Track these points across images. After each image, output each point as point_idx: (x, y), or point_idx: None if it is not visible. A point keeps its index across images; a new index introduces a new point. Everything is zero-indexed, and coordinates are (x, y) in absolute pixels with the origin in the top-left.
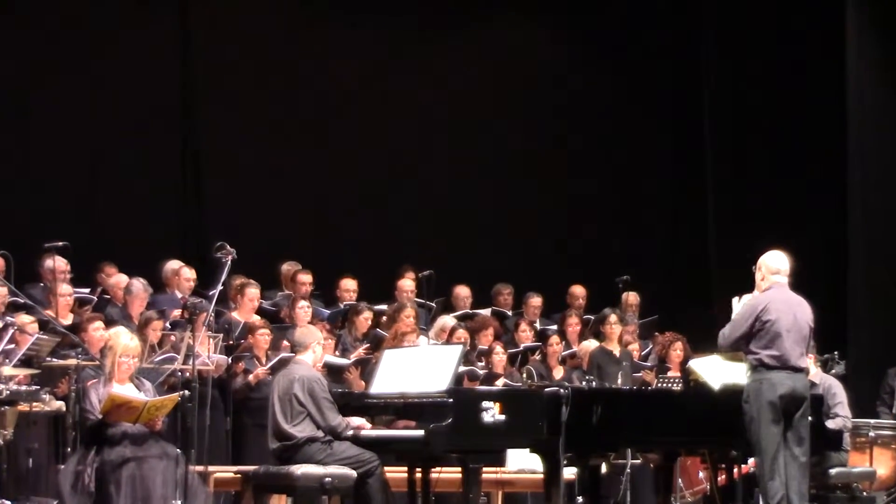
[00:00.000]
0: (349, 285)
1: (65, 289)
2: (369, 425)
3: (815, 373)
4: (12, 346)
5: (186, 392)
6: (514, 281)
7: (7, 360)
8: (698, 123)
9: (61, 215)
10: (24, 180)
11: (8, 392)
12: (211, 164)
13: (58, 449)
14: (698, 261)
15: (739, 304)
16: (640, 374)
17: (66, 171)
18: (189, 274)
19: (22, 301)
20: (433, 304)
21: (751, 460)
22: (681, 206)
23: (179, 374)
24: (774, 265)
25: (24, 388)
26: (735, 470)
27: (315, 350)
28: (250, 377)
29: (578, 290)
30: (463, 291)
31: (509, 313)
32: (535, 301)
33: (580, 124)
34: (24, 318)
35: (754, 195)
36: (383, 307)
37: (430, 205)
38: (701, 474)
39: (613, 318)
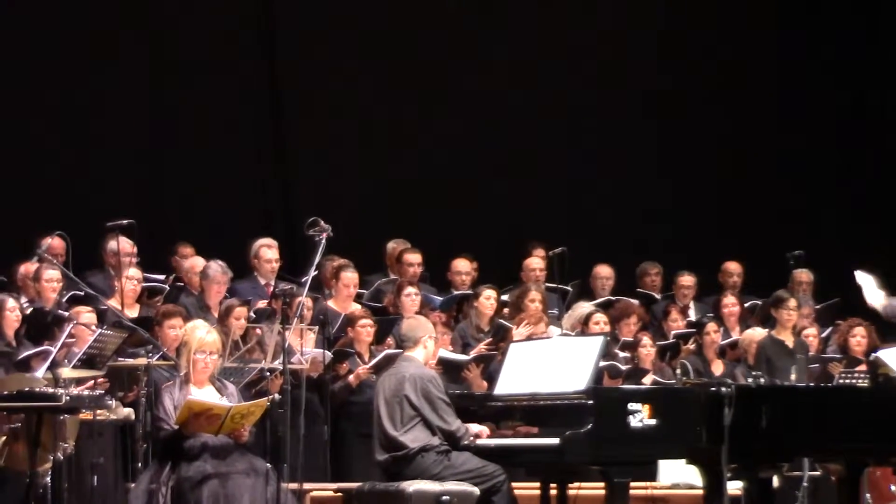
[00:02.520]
0: (465, 267)
1: (132, 274)
2: (487, 432)
3: None
4: (72, 340)
5: (277, 396)
6: (662, 258)
7: (66, 361)
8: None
9: (125, 189)
10: (82, 150)
11: (68, 398)
12: (300, 129)
13: (127, 464)
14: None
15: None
16: (816, 368)
17: (131, 138)
18: (271, 255)
19: (82, 291)
20: (568, 288)
21: None
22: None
23: (268, 374)
24: None
25: (86, 393)
26: None
27: (426, 345)
28: (350, 377)
29: (733, 267)
30: (603, 271)
31: (658, 297)
32: (687, 280)
33: (747, 84)
34: (85, 311)
35: None
36: (506, 293)
37: (558, 173)
38: (893, 488)
39: (793, 302)
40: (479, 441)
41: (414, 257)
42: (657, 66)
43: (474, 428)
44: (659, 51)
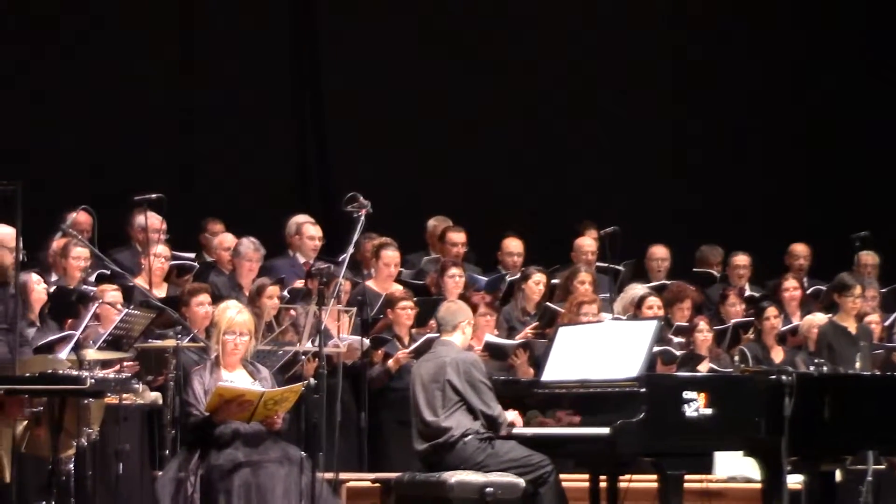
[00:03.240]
0: (517, 247)
1: (160, 251)
2: (520, 420)
3: None
4: (95, 323)
5: (312, 381)
6: (721, 239)
7: (90, 342)
8: None
9: (154, 162)
10: (110, 121)
11: (92, 381)
12: (334, 98)
13: (154, 451)
14: None
15: None
16: (879, 355)
17: (161, 109)
18: (314, 232)
19: (108, 269)
20: (620, 269)
21: None
22: None
23: (303, 358)
24: None
25: (112, 375)
26: None
27: (465, 331)
28: (390, 362)
29: (801, 249)
30: (658, 252)
31: (716, 275)
32: (742, 260)
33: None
34: (111, 289)
35: None
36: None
37: (615, 147)
38: None
39: (858, 290)
40: (525, 430)
41: (458, 236)
42: (717, 35)
43: (508, 415)
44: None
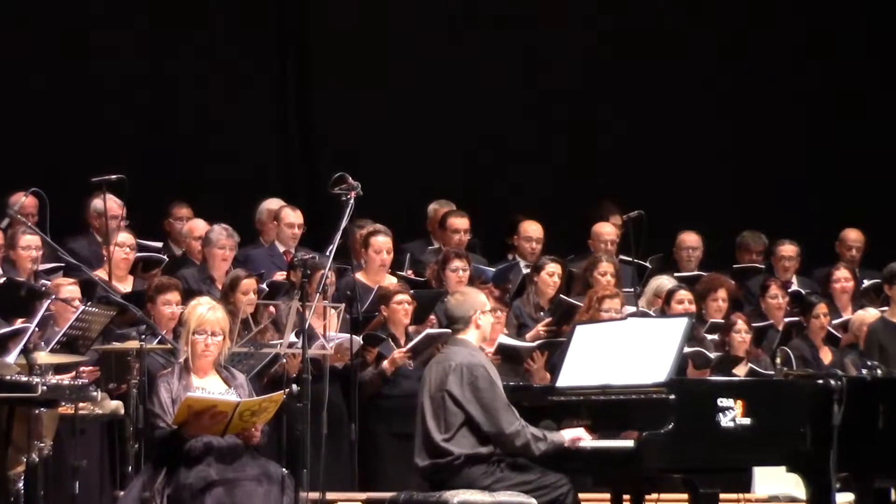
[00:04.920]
0: (536, 231)
1: (123, 239)
2: (588, 436)
3: None
4: (49, 317)
5: (295, 388)
6: (762, 226)
7: (42, 343)
8: None
9: (112, 137)
10: (63, 91)
11: (45, 388)
12: (320, 56)
13: (115, 468)
14: None
15: None
16: None
17: (120, 74)
18: (294, 218)
19: (63, 261)
20: (646, 265)
21: None
22: None
23: (285, 361)
24: None
25: (67, 382)
26: None
27: (479, 322)
28: (384, 363)
29: (854, 236)
30: (689, 239)
31: (760, 267)
32: (788, 250)
33: None
34: (66, 284)
35: None
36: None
37: (636, 122)
38: None
39: None
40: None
41: (460, 222)
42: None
43: (569, 434)
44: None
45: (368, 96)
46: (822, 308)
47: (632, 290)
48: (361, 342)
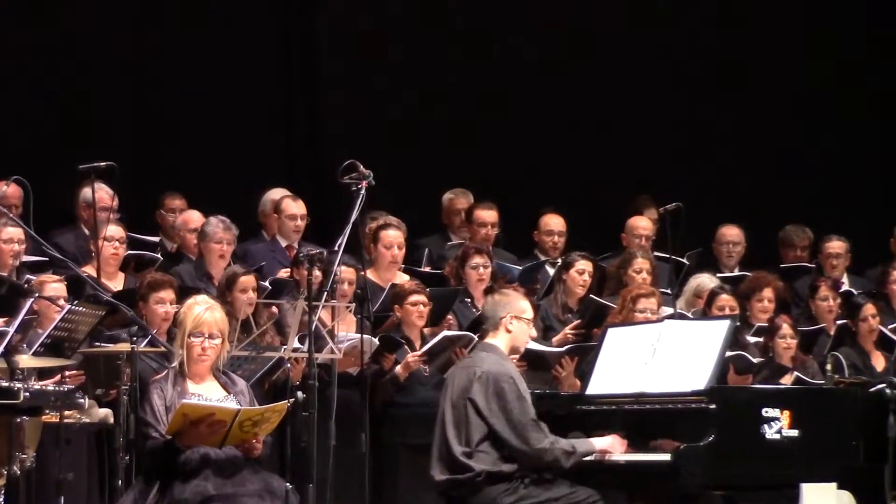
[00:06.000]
0: (558, 224)
1: (112, 233)
2: (621, 445)
3: None
4: (33, 317)
5: (300, 395)
6: (810, 221)
7: (24, 346)
8: None
9: (102, 123)
10: (51, 76)
11: (27, 394)
12: (331, 37)
13: (104, 482)
14: None
15: None
16: None
17: (112, 58)
18: (297, 209)
19: (47, 255)
20: (684, 262)
21: None
22: None
23: (289, 366)
24: None
25: (51, 388)
26: None
27: (508, 327)
28: (397, 368)
29: None
30: (730, 233)
31: (810, 266)
32: (836, 247)
33: None
34: (51, 281)
35: None
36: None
37: (670, 110)
38: None
39: None
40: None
41: (488, 215)
42: None
43: (600, 443)
44: None
45: (381, 82)
46: (870, 309)
47: (668, 290)
48: (377, 342)
